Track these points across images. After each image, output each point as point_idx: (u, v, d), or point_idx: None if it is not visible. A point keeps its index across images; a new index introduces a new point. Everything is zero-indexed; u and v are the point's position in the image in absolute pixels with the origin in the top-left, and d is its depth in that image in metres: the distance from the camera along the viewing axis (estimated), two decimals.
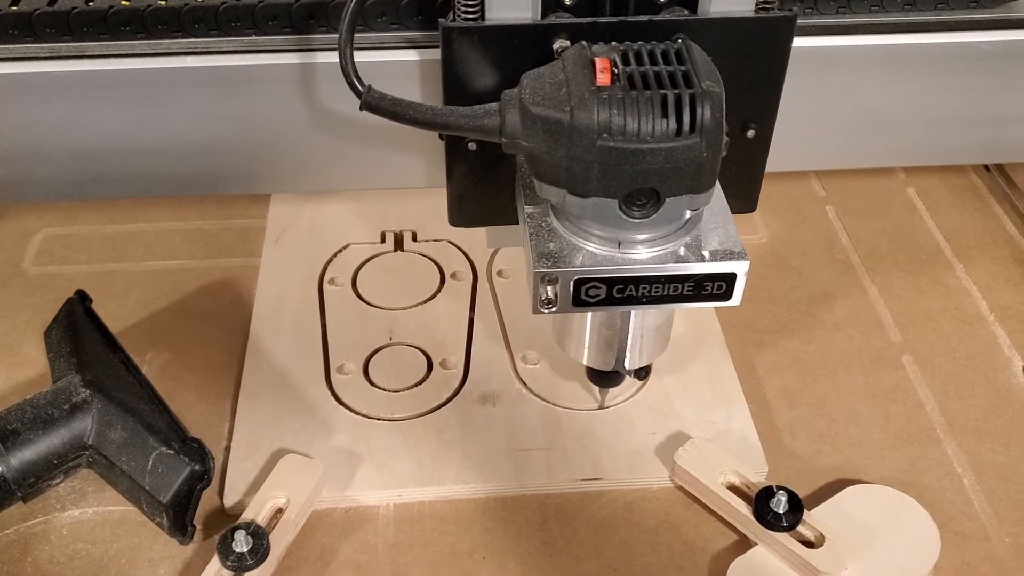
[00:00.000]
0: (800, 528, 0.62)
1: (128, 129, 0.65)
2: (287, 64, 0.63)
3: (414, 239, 0.85)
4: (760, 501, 0.62)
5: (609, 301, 0.54)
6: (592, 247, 0.54)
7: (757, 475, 0.66)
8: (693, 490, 0.66)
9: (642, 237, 0.53)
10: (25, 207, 0.89)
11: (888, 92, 0.68)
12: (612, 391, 0.72)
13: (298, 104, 0.64)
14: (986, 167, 0.95)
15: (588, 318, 0.61)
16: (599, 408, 0.72)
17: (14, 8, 0.63)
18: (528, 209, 0.56)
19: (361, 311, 0.79)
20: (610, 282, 0.53)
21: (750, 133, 0.60)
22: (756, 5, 0.56)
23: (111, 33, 0.63)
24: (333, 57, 0.62)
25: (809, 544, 0.62)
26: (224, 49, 0.63)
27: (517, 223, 0.60)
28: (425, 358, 0.75)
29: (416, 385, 0.73)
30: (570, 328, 0.63)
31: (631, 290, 0.54)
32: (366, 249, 0.84)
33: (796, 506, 0.62)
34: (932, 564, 0.62)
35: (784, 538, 0.62)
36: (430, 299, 0.80)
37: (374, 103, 0.54)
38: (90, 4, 0.63)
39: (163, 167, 0.67)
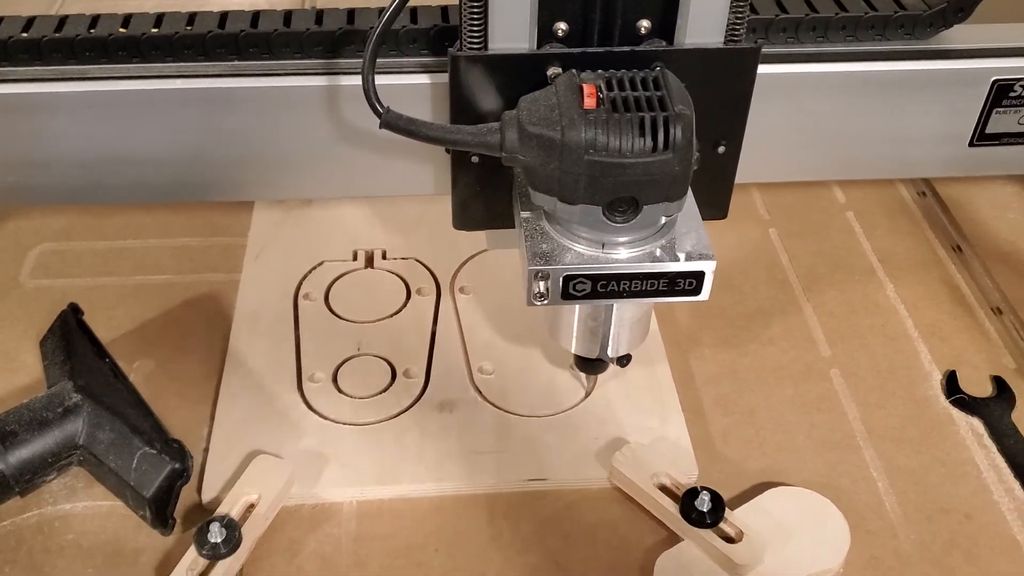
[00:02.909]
0: (722, 525, 0.68)
1: (124, 142, 0.71)
2: (266, 87, 0.70)
3: (383, 257, 0.90)
4: (686, 500, 0.68)
5: (594, 295, 0.61)
6: (579, 248, 0.61)
7: (687, 477, 0.71)
8: (628, 490, 0.72)
9: (623, 239, 0.60)
10: (23, 223, 0.95)
11: (824, 113, 0.76)
12: (559, 401, 0.78)
13: (276, 122, 0.71)
14: (922, 192, 1.02)
15: (576, 311, 0.68)
16: (586, 394, 0.79)
17: (24, 35, 0.69)
18: (524, 214, 0.63)
19: (332, 324, 0.84)
20: (594, 278, 0.60)
21: (721, 149, 0.67)
22: (725, 37, 0.63)
23: (110, 58, 0.70)
24: (308, 80, 0.70)
25: (729, 539, 0.67)
26: (210, 73, 0.70)
27: (514, 227, 0.67)
28: (390, 368, 0.80)
29: (380, 393, 0.78)
30: (560, 320, 0.70)
31: (613, 285, 0.61)
32: (339, 266, 0.89)
33: (718, 505, 0.68)
34: (842, 558, 0.68)
35: (707, 534, 0.67)
36: (396, 313, 0.85)
37: (392, 122, 0.61)
38: (92, 32, 0.70)
39: (154, 176, 0.74)
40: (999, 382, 0.81)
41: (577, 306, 0.68)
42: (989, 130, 0.76)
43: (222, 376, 0.80)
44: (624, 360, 0.70)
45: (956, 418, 0.79)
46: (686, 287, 0.61)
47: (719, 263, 0.60)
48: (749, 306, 0.89)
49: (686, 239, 0.62)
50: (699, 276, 0.61)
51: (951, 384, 0.81)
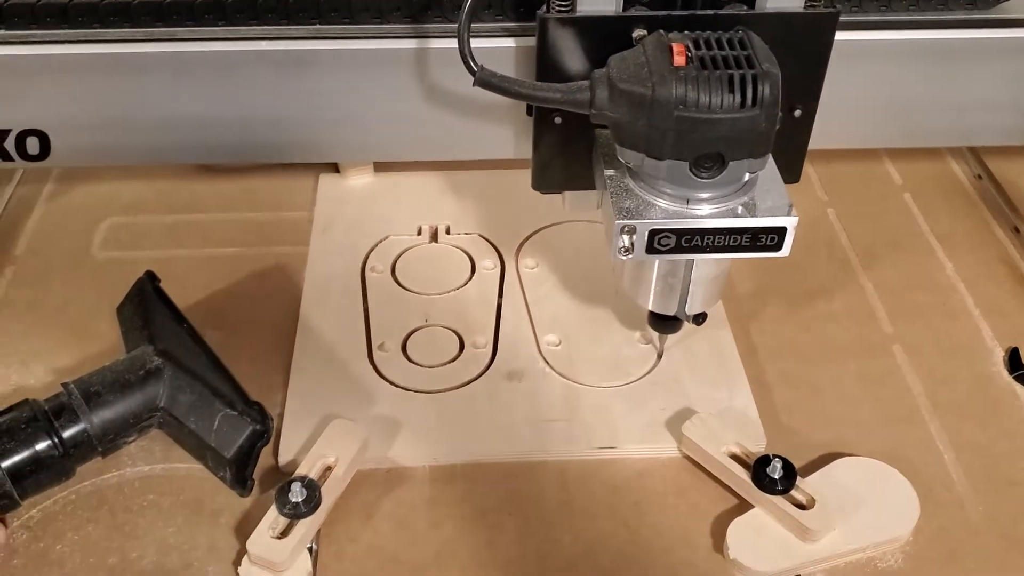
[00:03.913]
0: (793, 492, 0.68)
1: (209, 102, 0.74)
2: (347, 49, 0.72)
3: (448, 232, 0.92)
4: (758, 467, 0.69)
5: (677, 249, 0.63)
6: (664, 203, 0.62)
7: (756, 447, 0.72)
8: (698, 459, 0.72)
9: (707, 195, 0.62)
10: (91, 197, 0.97)
11: (885, 80, 0.77)
12: (626, 372, 0.79)
13: (356, 84, 0.73)
14: (978, 176, 1.02)
15: (655, 268, 0.69)
16: (658, 356, 0.80)
17: None
18: (608, 172, 0.65)
19: (399, 296, 0.85)
20: (679, 233, 0.62)
21: (797, 113, 0.69)
22: (805, 2, 0.65)
23: (197, 20, 0.72)
24: (388, 44, 0.71)
25: (801, 507, 0.68)
26: (293, 35, 0.72)
27: (592, 188, 0.69)
28: (457, 338, 0.81)
29: (449, 362, 0.80)
30: (639, 277, 0.71)
31: (697, 240, 0.62)
32: (404, 240, 0.91)
33: (790, 472, 0.69)
34: (911, 527, 0.69)
35: (779, 501, 0.68)
36: (462, 286, 0.86)
37: (486, 79, 0.63)
38: None
39: (237, 136, 0.76)
40: None
41: (656, 263, 0.69)
42: None
43: (294, 345, 0.81)
44: (700, 318, 0.71)
45: (1020, 394, 0.80)
46: (768, 243, 0.63)
47: None
48: (810, 283, 0.89)
49: (767, 196, 0.63)
50: (781, 232, 0.63)
51: (1014, 360, 0.82)
